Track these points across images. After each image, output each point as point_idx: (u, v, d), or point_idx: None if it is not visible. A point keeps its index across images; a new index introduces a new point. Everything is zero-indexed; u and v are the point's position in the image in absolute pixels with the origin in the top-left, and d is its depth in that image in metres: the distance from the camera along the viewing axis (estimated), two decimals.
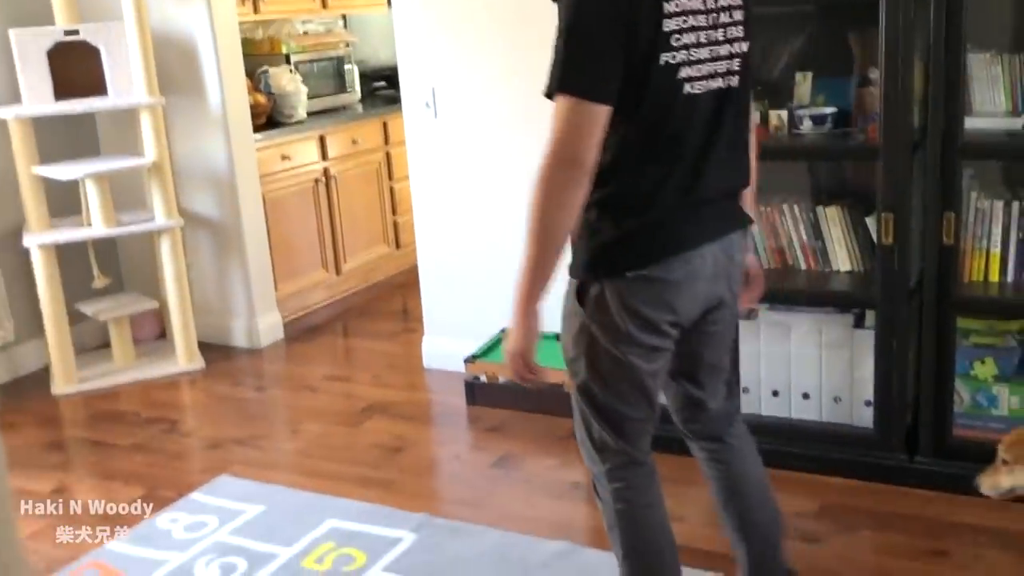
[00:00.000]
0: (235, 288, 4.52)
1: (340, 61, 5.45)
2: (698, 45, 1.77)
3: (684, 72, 1.75)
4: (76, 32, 3.93)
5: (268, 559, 2.72)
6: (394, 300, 5.17)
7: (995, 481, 2.17)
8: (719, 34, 1.80)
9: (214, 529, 2.91)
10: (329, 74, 5.36)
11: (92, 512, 3.07)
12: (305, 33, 5.49)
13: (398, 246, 5.46)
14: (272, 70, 4.91)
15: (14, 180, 3.99)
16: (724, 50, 1.82)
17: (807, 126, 2.91)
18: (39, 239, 3.97)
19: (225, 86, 4.27)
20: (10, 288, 4.16)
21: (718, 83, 1.82)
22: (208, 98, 4.29)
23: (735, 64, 1.84)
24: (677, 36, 1.73)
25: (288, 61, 5.06)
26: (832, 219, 2.96)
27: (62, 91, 3.95)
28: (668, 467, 2.20)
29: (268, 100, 4.83)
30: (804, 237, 3.01)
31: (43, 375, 4.20)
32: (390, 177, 5.39)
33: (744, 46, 1.86)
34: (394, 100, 4.88)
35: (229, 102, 4.30)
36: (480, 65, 3.69)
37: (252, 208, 4.46)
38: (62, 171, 3.96)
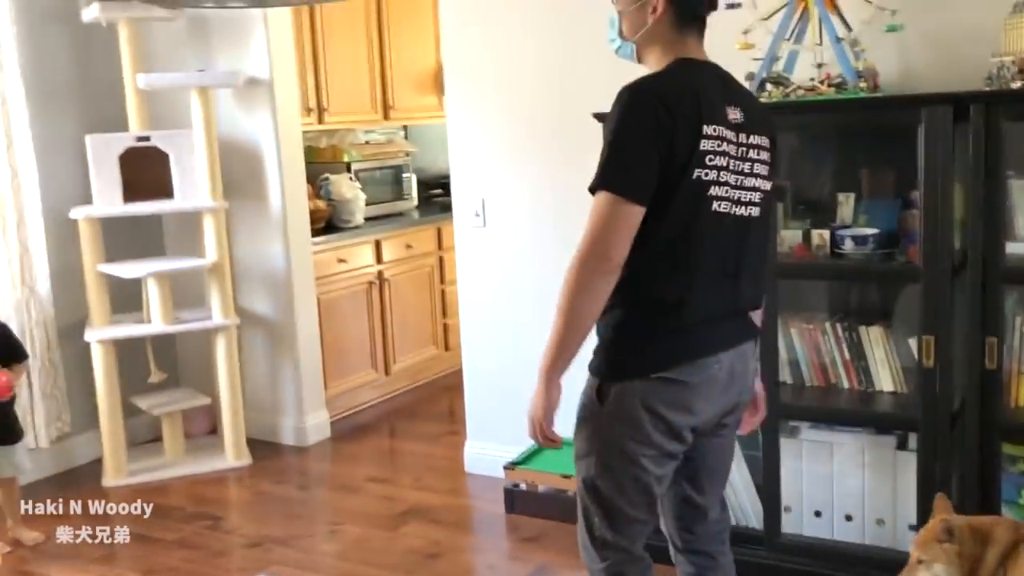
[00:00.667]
0: (286, 386, 4.60)
1: (399, 169, 5.63)
2: (727, 170, 1.92)
3: (713, 190, 1.90)
4: (147, 138, 4.15)
5: None
6: (441, 401, 5.21)
7: None
8: (745, 166, 1.96)
9: None
10: (388, 181, 5.54)
11: None
12: (367, 143, 5.71)
13: (447, 348, 5.53)
14: (333, 177, 5.09)
15: (80, 276, 4.16)
16: (748, 182, 1.97)
17: (849, 246, 2.92)
18: (100, 334, 4.12)
19: (286, 192, 4.44)
20: (69, 380, 4.29)
21: (741, 210, 1.96)
22: (270, 203, 4.46)
23: (756, 197, 1.99)
24: (711, 157, 1.88)
25: (349, 169, 5.25)
26: (875, 339, 2.95)
27: (131, 193, 4.14)
28: None
29: (328, 206, 4.99)
30: (847, 356, 3.00)
31: (95, 467, 4.30)
32: (442, 280, 5.51)
33: (766, 184, 2.02)
34: (449, 207, 5.02)
35: (290, 207, 4.46)
36: (527, 177, 3.79)
37: (307, 309, 4.57)
38: (126, 269, 4.13)
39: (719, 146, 1.89)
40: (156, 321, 4.21)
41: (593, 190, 1.87)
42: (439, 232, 5.48)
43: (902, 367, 2.94)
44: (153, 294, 4.20)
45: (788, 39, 2.94)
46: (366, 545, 3.49)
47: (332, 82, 5.02)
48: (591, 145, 3.33)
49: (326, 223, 4.98)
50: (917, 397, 2.79)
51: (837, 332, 3.00)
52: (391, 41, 5.42)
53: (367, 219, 5.19)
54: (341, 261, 4.90)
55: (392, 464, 4.50)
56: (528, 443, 3.84)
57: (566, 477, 3.57)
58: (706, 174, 1.87)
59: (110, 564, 3.46)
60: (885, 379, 2.96)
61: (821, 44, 2.93)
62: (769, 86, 2.91)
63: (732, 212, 1.93)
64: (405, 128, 6.13)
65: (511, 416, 3.95)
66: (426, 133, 6.15)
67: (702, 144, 1.86)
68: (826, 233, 2.97)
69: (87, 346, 4.16)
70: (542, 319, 3.86)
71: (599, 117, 3.09)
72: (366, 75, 5.30)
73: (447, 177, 4.15)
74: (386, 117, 5.48)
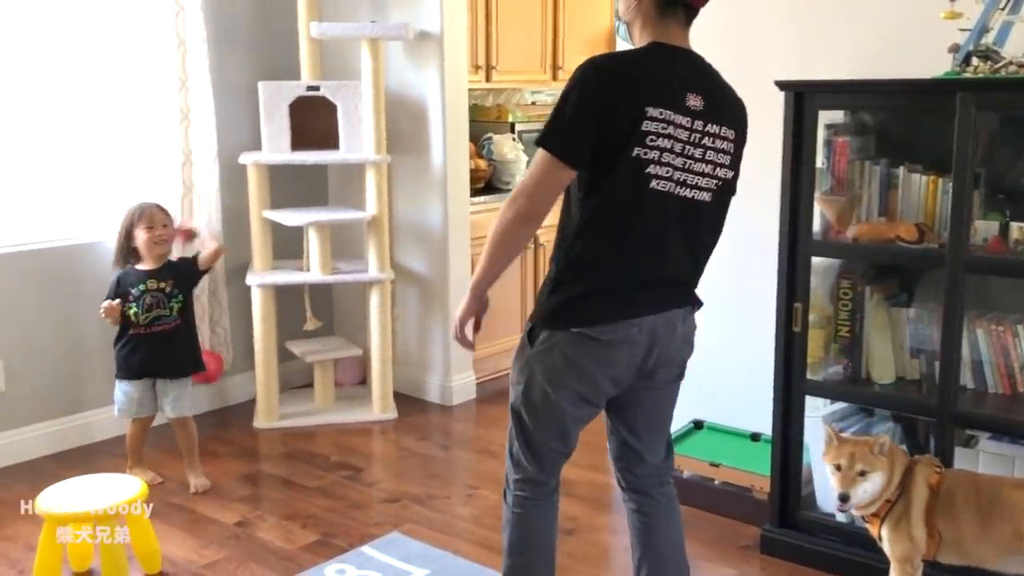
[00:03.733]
0: (435, 344, 4.60)
1: None
2: (671, 152, 2.06)
3: (652, 169, 2.05)
4: (317, 88, 4.17)
5: None
6: None
7: (856, 490, 2.52)
8: (697, 152, 2.10)
9: None
10: None
11: (269, 550, 3.16)
12: (533, 103, 5.60)
13: None
14: (496, 137, 5.01)
15: (246, 221, 4.25)
16: (699, 167, 2.10)
17: None
18: (260, 279, 4.20)
19: (449, 149, 4.39)
20: (232, 321, 4.41)
21: (687, 192, 2.10)
22: (432, 159, 4.43)
23: (708, 183, 2.13)
24: (653, 138, 2.03)
25: (512, 130, 5.17)
26: None
27: (299, 142, 4.19)
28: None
29: (488, 166, 4.93)
30: None
31: (248, 407, 4.41)
32: None
33: (727, 173, 2.17)
34: None
35: (451, 165, 4.42)
36: None
37: (460, 268, 4.54)
38: (289, 217, 4.19)
39: (663, 128, 2.03)
40: (314, 270, 4.27)
41: (537, 144, 2.07)
42: None
43: None
44: (313, 243, 4.25)
45: (1002, 8, 2.64)
46: (501, 512, 3.42)
47: (502, 40, 4.94)
48: (769, 116, 3.14)
49: (485, 183, 4.92)
50: None
51: None
52: (565, 0, 5.29)
53: None
54: None
55: None
56: (676, 426, 3.69)
57: (714, 465, 3.40)
58: (645, 153, 2.03)
59: (252, 504, 3.54)
60: None
61: None
62: (975, 60, 2.63)
63: (675, 192, 2.08)
64: None
65: None
66: None
67: (644, 124, 2.01)
68: None
69: (249, 289, 4.25)
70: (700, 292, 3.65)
71: (782, 85, 2.88)
72: (537, 34, 5.19)
73: None
74: (554, 78, 5.35)
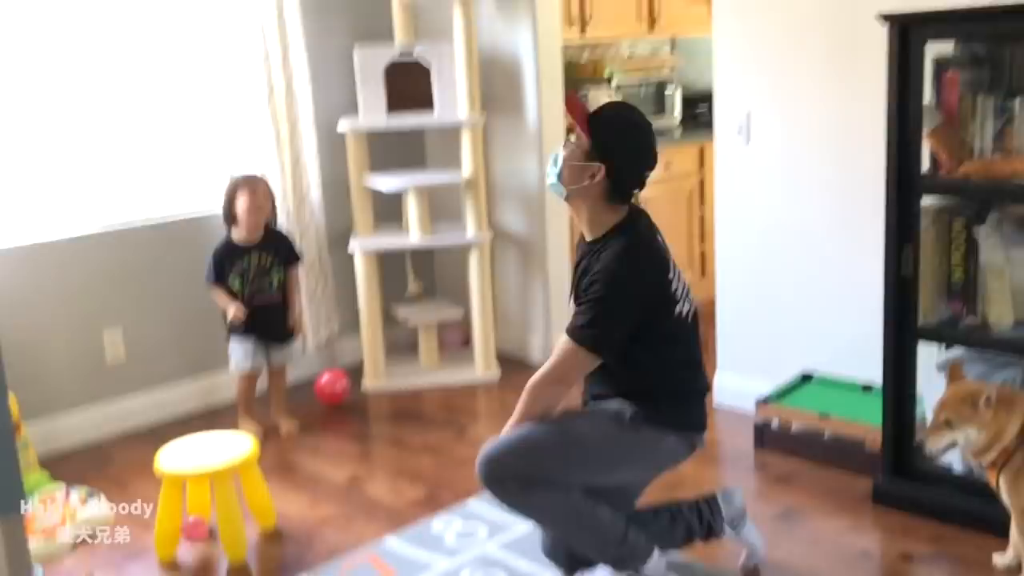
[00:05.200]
0: (536, 304, 4.60)
1: (662, 85, 5.41)
2: (678, 294, 2.48)
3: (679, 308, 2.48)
4: (411, 52, 4.19)
5: None
6: None
7: (938, 439, 2.51)
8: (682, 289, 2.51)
9: (483, 540, 2.95)
10: (650, 97, 5.33)
11: (378, 506, 3.23)
12: (630, 56, 5.51)
13: (703, 274, 5.30)
14: (592, 92, 4.95)
15: (346, 188, 4.31)
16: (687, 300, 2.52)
17: None
18: (362, 244, 4.27)
19: (543, 107, 4.35)
20: (337, 287, 4.50)
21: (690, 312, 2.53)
22: (526, 118, 4.40)
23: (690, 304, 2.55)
24: (676, 291, 2.48)
25: (609, 84, 5.09)
26: None
27: (394, 106, 4.22)
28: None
29: None
30: None
31: (356, 369, 4.51)
32: (701, 203, 5.27)
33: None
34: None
35: (545, 122, 4.38)
36: (797, 94, 3.48)
37: (558, 227, 4.52)
38: (387, 182, 4.23)
39: (675, 285, 2.48)
40: (414, 234, 4.31)
41: (571, 336, 2.45)
42: (701, 152, 5.22)
43: None
44: (412, 207, 4.29)
45: None
46: None
47: None
48: (871, 52, 3.00)
49: None
50: None
51: None
52: None
53: None
54: None
55: None
56: (783, 377, 3.62)
57: (824, 417, 3.32)
58: (676, 303, 2.48)
59: (361, 462, 3.62)
60: None
61: None
62: None
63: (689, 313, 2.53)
64: (672, 41, 5.86)
65: (764, 349, 3.75)
66: (693, 46, 5.85)
67: (672, 290, 2.46)
68: None
69: (352, 256, 4.32)
70: (804, 247, 3.59)
71: (887, 18, 2.76)
72: None
73: None
74: (651, 29, 5.25)
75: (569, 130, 2.44)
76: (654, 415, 2.48)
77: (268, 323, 3.85)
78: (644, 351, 2.43)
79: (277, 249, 3.87)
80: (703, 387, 2.60)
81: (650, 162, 2.44)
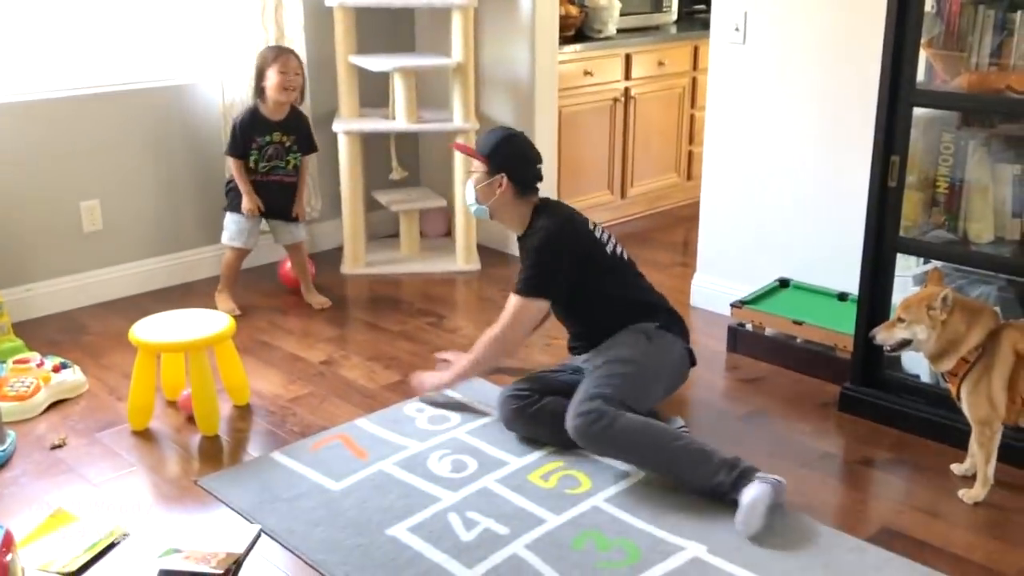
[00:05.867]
0: None
1: None
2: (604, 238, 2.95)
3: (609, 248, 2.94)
4: None
5: (497, 465, 2.75)
6: (675, 232, 5.03)
7: (890, 334, 2.59)
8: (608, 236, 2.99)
9: (455, 425, 2.99)
10: None
11: (352, 388, 3.26)
12: None
13: (689, 177, 5.29)
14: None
15: (332, 68, 4.22)
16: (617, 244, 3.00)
17: None
18: (346, 126, 4.20)
19: None
20: (321, 169, 4.44)
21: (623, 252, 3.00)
22: (520, 4, 4.29)
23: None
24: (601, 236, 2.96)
25: None
26: None
27: None
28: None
29: (580, 12, 4.77)
30: None
31: (336, 254, 4.49)
32: (692, 104, 5.21)
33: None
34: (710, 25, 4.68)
35: (539, 10, 4.28)
36: None
37: (547, 120, 4.46)
38: (374, 62, 4.14)
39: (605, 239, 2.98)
40: (400, 118, 4.24)
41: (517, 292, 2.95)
42: (696, 51, 5.13)
43: None
44: (399, 90, 4.21)
45: None
46: None
47: None
48: None
49: (576, 31, 4.76)
50: None
51: None
52: None
53: (619, 30, 4.93)
54: (587, 74, 4.71)
55: None
56: (760, 282, 3.64)
57: (797, 323, 3.35)
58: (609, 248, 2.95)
59: (338, 345, 3.64)
60: None
61: None
62: None
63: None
64: None
65: (744, 253, 3.75)
66: None
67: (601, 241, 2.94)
68: None
69: (335, 137, 4.26)
70: (795, 155, 3.56)
71: None
72: None
73: None
74: None
75: (469, 171, 3.07)
76: (649, 324, 2.87)
77: (279, 201, 3.87)
78: (596, 286, 2.86)
79: (299, 132, 3.86)
80: (667, 303, 2.97)
81: (535, 157, 2.93)
